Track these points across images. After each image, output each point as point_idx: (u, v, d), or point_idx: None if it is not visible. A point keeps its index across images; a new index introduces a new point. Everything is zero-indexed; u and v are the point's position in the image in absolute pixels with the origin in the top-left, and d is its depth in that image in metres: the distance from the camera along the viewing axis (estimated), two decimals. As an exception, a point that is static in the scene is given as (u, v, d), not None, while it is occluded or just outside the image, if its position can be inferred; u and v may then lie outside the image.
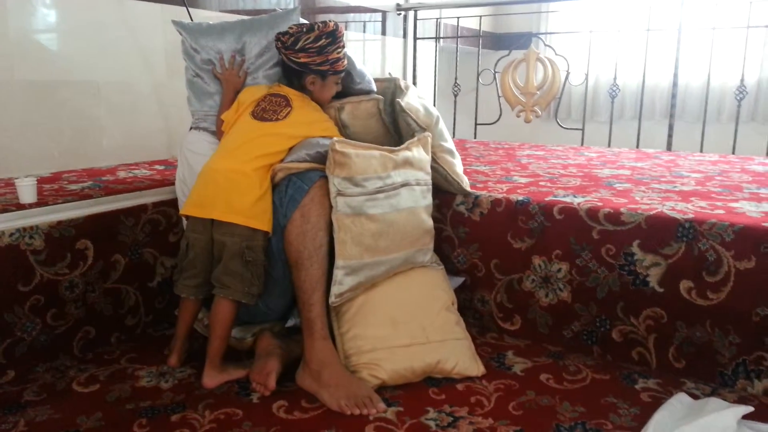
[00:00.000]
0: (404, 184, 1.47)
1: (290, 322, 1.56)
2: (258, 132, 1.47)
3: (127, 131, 2.27)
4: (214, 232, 1.38)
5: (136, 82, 2.29)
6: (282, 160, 1.44)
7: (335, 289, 1.37)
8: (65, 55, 2.06)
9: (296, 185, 1.39)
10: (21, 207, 1.46)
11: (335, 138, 1.42)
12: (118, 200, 1.64)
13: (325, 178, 1.39)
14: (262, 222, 1.37)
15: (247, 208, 1.37)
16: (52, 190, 1.65)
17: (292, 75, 1.55)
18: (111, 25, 2.16)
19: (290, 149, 1.46)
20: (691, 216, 1.43)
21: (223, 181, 1.40)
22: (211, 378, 1.36)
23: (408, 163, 1.49)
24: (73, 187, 1.71)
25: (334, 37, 1.50)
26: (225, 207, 1.37)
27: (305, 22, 1.65)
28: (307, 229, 1.36)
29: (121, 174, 1.97)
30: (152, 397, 1.31)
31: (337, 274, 1.37)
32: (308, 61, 1.50)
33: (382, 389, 1.33)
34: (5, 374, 1.38)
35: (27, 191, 1.49)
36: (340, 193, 1.37)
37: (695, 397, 1.31)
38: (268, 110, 1.51)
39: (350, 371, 1.35)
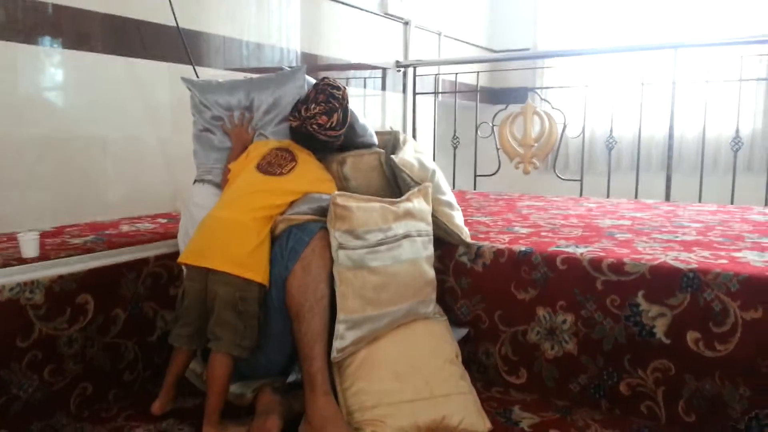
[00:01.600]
0: (406, 236, 1.47)
1: (291, 378, 1.54)
2: (261, 185, 1.49)
3: (131, 185, 2.29)
4: (209, 281, 1.37)
5: (142, 137, 2.32)
6: (282, 213, 1.45)
7: (337, 344, 1.35)
8: (72, 110, 2.10)
9: (297, 237, 1.39)
10: (23, 261, 1.45)
11: (336, 192, 1.43)
12: (120, 254, 1.63)
13: (326, 229, 1.39)
14: (257, 273, 1.36)
15: (243, 257, 1.36)
16: (54, 245, 1.65)
17: (325, 149, 1.62)
18: (118, 82, 2.22)
19: (291, 203, 1.47)
20: (694, 266, 1.43)
21: (221, 230, 1.40)
22: (210, 436, 1.32)
23: (409, 215, 1.50)
24: (75, 241, 1.72)
25: (348, 100, 1.57)
26: (220, 256, 1.36)
27: (311, 79, 1.69)
28: (309, 281, 1.35)
29: (124, 227, 1.98)
30: (149, 457, 1.28)
31: (339, 328, 1.35)
32: (342, 132, 1.57)
33: (385, 447, 1.30)
34: (-2, 434, 1.35)
35: (29, 245, 1.49)
36: (341, 246, 1.37)
37: (709, 453, 1.28)
38: (273, 164, 1.53)
39: (353, 428, 1.31)
